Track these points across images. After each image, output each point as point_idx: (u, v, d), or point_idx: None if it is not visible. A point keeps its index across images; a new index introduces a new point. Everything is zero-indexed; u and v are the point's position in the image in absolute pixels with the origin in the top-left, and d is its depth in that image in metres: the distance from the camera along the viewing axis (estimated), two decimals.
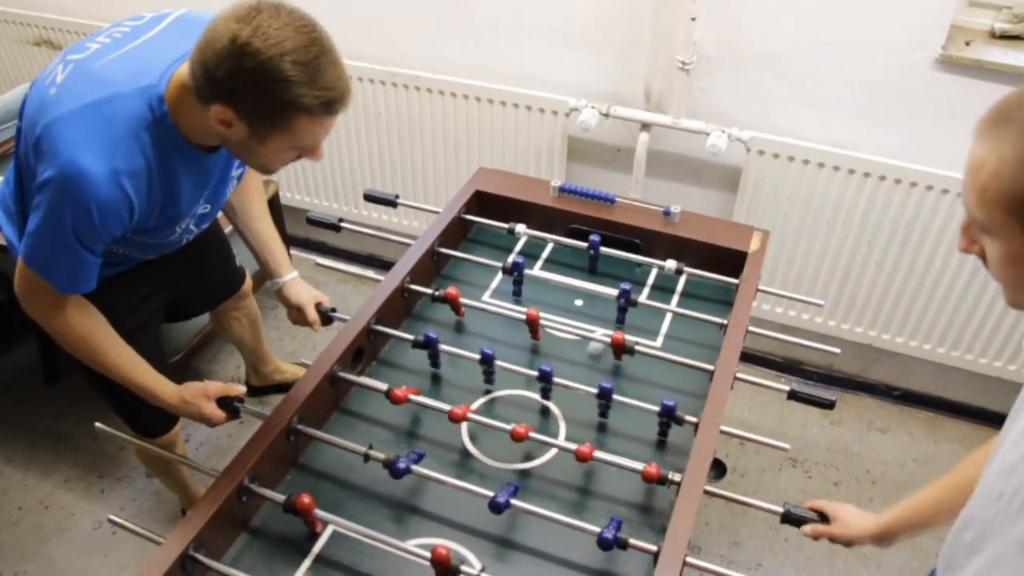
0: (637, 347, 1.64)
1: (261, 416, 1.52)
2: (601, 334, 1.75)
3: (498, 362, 1.61)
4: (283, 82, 1.20)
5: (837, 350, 1.77)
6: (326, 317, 1.80)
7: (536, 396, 1.64)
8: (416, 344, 1.65)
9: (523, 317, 1.73)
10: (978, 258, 0.93)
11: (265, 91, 1.21)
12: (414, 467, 1.40)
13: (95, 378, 1.65)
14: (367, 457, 1.42)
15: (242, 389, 1.62)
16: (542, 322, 1.72)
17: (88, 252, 1.37)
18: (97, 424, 1.53)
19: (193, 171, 1.45)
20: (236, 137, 1.29)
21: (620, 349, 1.64)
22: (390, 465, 1.39)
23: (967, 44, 2.11)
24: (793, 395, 1.57)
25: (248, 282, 2.28)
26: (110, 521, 1.43)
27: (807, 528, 1.39)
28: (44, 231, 1.34)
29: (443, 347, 1.65)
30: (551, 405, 1.62)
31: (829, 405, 1.57)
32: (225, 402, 1.60)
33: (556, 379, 1.57)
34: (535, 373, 1.57)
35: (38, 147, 1.32)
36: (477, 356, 1.61)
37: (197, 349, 2.62)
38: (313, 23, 1.25)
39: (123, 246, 1.56)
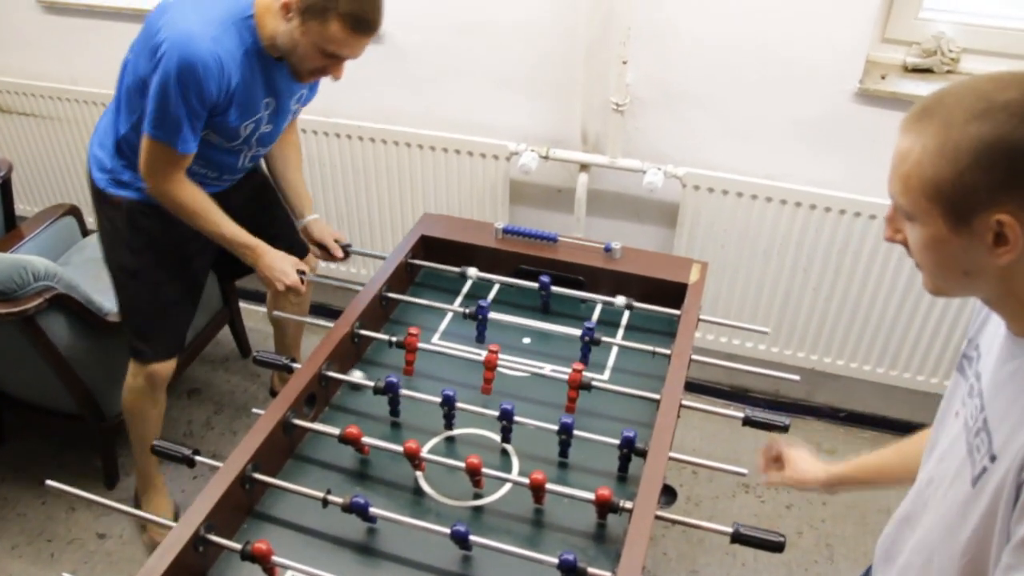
0: (593, 383, 1.68)
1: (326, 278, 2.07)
2: (551, 370, 1.79)
3: (458, 404, 1.63)
4: None
5: (796, 377, 1.80)
6: (346, 251, 2.19)
7: (490, 434, 1.66)
8: (376, 390, 1.67)
9: (478, 358, 1.77)
10: (903, 247, 0.99)
11: None
12: (380, 512, 1.41)
13: (123, 296, 2.12)
14: (325, 502, 1.43)
15: (308, 266, 2.11)
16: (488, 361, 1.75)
17: (197, 111, 1.75)
18: (48, 481, 1.51)
19: (263, 72, 1.84)
20: (288, 27, 1.71)
21: (578, 386, 1.67)
22: (353, 507, 1.40)
23: (883, 78, 2.22)
24: (748, 421, 1.61)
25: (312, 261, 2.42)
26: None
27: (763, 477, 1.53)
28: (161, 98, 1.73)
29: (403, 391, 1.67)
30: (505, 444, 1.65)
31: (784, 429, 1.61)
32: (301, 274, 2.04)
33: (515, 418, 1.60)
34: (495, 413, 1.59)
35: (156, 35, 1.72)
36: (437, 399, 1.63)
37: (214, 332, 2.82)
38: None
39: (197, 154, 1.87)
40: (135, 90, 1.85)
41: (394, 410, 1.70)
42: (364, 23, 1.70)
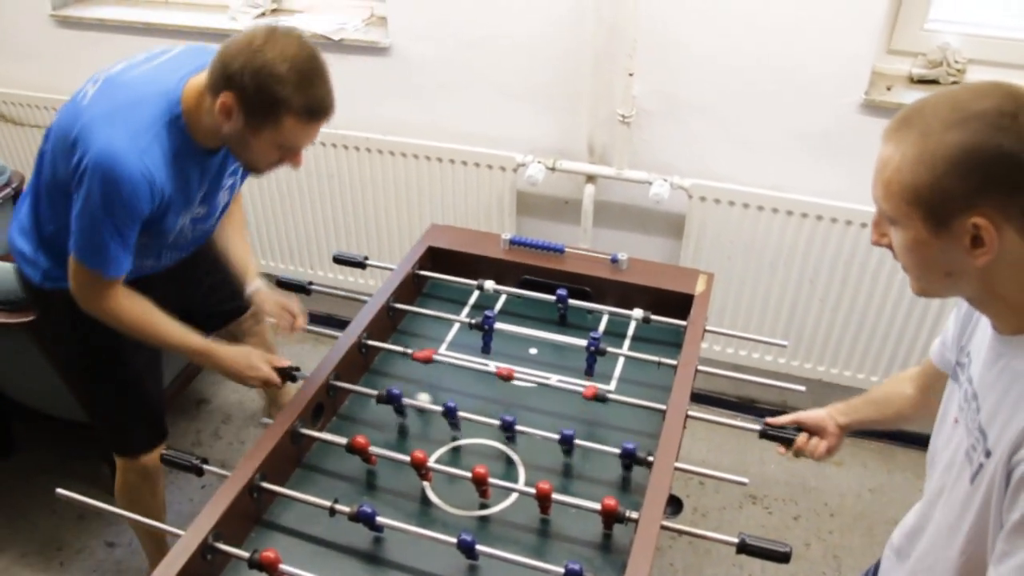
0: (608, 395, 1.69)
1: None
2: (557, 380, 1.80)
3: (461, 413, 1.65)
4: (280, 83, 1.47)
5: (802, 388, 1.80)
6: (291, 376, 1.85)
7: (497, 444, 1.67)
8: (380, 399, 1.68)
9: (487, 369, 1.80)
10: (888, 250, 1.03)
11: (265, 86, 1.47)
12: (387, 521, 1.42)
13: (82, 393, 1.92)
14: (333, 511, 1.44)
15: (289, 362, 1.82)
16: (503, 373, 1.77)
17: (126, 232, 1.59)
18: (58, 490, 1.52)
19: (198, 166, 1.68)
20: (234, 127, 1.54)
21: (594, 398, 1.68)
22: (360, 516, 1.41)
23: (889, 89, 2.23)
24: (764, 434, 1.62)
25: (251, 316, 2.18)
26: None
27: (799, 441, 1.55)
28: (86, 221, 1.56)
29: (407, 401, 1.68)
30: (511, 453, 1.65)
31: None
32: (283, 371, 1.79)
33: (518, 427, 1.61)
34: (497, 423, 1.60)
35: (73, 147, 1.55)
36: (440, 408, 1.65)
37: (194, 373, 2.66)
38: (315, 48, 1.54)
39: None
40: (56, 190, 1.67)
41: (400, 414, 1.72)
42: (320, 112, 1.56)
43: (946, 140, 0.90)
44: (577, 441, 1.58)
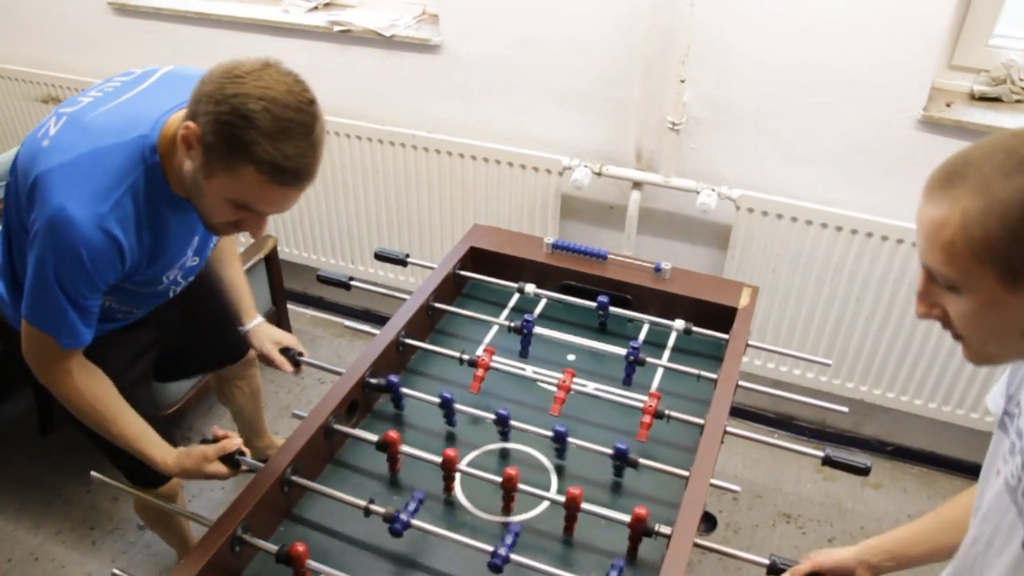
0: (669, 413, 1.65)
1: (254, 467, 1.55)
2: (595, 388, 1.77)
3: (512, 422, 1.63)
4: (248, 123, 1.20)
5: (845, 409, 1.75)
6: (293, 360, 1.81)
7: (529, 449, 1.65)
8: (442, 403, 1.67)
9: (521, 373, 1.79)
10: (938, 321, 0.95)
11: (228, 122, 1.21)
12: (413, 521, 1.41)
13: (91, 431, 1.64)
14: (368, 511, 1.42)
15: (239, 442, 1.60)
16: (538, 379, 1.75)
17: (84, 301, 1.39)
18: (92, 473, 1.54)
19: (181, 220, 1.47)
20: (191, 165, 1.29)
21: (653, 415, 1.65)
22: (390, 521, 1.39)
23: (948, 105, 2.17)
24: (828, 461, 1.57)
25: (253, 352, 2.02)
26: (113, 575, 1.43)
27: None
28: (39, 284, 1.35)
29: (458, 406, 1.67)
30: (544, 459, 1.64)
31: (865, 471, 1.57)
32: (227, 458, 1.59)
33: (569, 439, 1.59)
34: (547, 432, 1.58)
35: (31, 198, 1.34)
36: (492, 416, 1.63)
37: (192, 402, 2.63)
38: (312, 99, 1.27)
39: (113, 298, 1.57)
40: (24, 233, 1.43)
41: (450, 421, 1.70)
42: (287, 173, 1.25)
43: (1014, 185, 0.83)
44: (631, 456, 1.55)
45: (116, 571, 1.43)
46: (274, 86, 1.22)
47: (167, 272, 1.56)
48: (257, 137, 1.21)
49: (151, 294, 1.62)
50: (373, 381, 1.69)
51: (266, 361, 1.85)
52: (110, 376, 1.56)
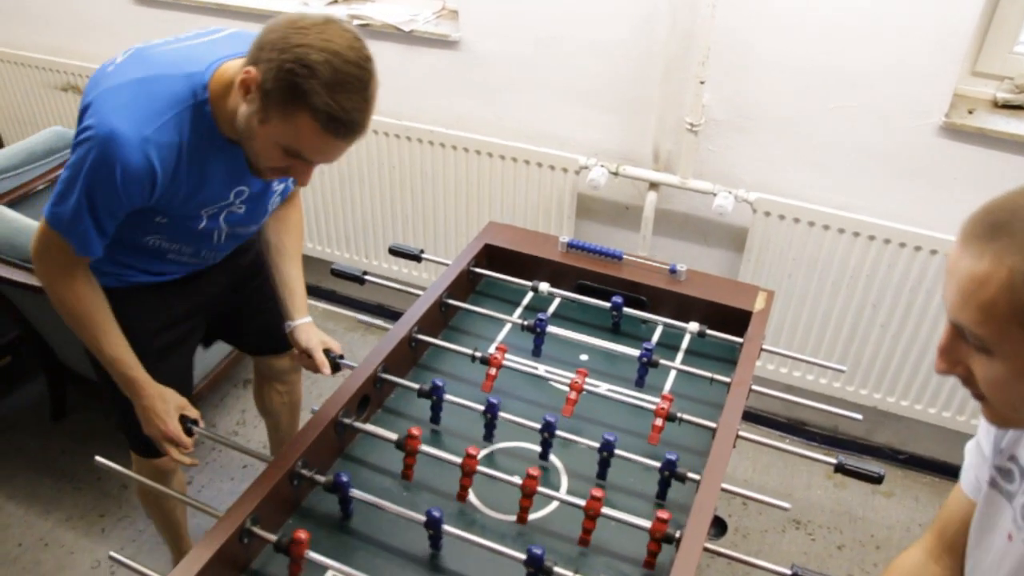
0: (681, 416, 1.64)
1: (220, 440, 1.63)
2: (607, 389, 1.76)
3: (502, 414, 1.63)
4: (309, 73, 1.26)
5: (859, 416, 1.73)
6: (334, 363, 1.80)
7: (536, 447, 1.65)
8: (421, 393, 1.67)
9: (537, 372, 1.79)
10: (959, 379, 0.89)
11: (291, 70, 1.27)
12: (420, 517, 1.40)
13: (104, 384, 1.72)
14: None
15: (197, 413, 1.67)
16: (551, 378, 1.74)
17: (105, 217, 1.43)
18: (97, 458, 1.53)
19: (225, 161, 1.50)
20: (246, 109, 1.35)
21: (666, 418, 1.63)
22: (430, 522, 1.38)
23: (970, 112, 2.15)
24: (840, 468, 1.55)
25: (293, 357, 1.93)
26: (110, 558, 1.43)
27: None
28: (67, 188, 1.41)
29: (448, 397, 1.66)
30: (554, 458, 1.63)
31: (878, 480, 1.55)
32: (181, 419, 1.64)
33: (560, 432, 1.58)
34: (538, 425, 1.58)
35: (84, 113, 1.40)
36: (482, 407, 1.63)
37: (204, 392, 2.64)
38: (369, 57, 1.33)
39: (160, 236, 1.61)
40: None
41: (435, 415, 1.69)
42: (342, 124, 1.31)
43: None
44: (618, 452, 1.54)
45: (113, 553, 1.43)
46: (336, 40, 1.28)
47: (204, 208, 1.57)
48: (316, 87, 1.26)
49: (195, 233, 1.63)
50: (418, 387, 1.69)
51: (305, 360, 1.81)
52: (140, 333, 1.65)
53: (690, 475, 1.50)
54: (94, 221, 1.43)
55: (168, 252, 1.67)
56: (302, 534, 1.32)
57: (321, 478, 1.49)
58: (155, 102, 1.38)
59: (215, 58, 1.44)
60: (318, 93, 1.27)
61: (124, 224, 1.50)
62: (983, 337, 0.82)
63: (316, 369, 1.77)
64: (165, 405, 1.64)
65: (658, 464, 1.51)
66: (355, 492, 1.45)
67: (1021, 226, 0.78)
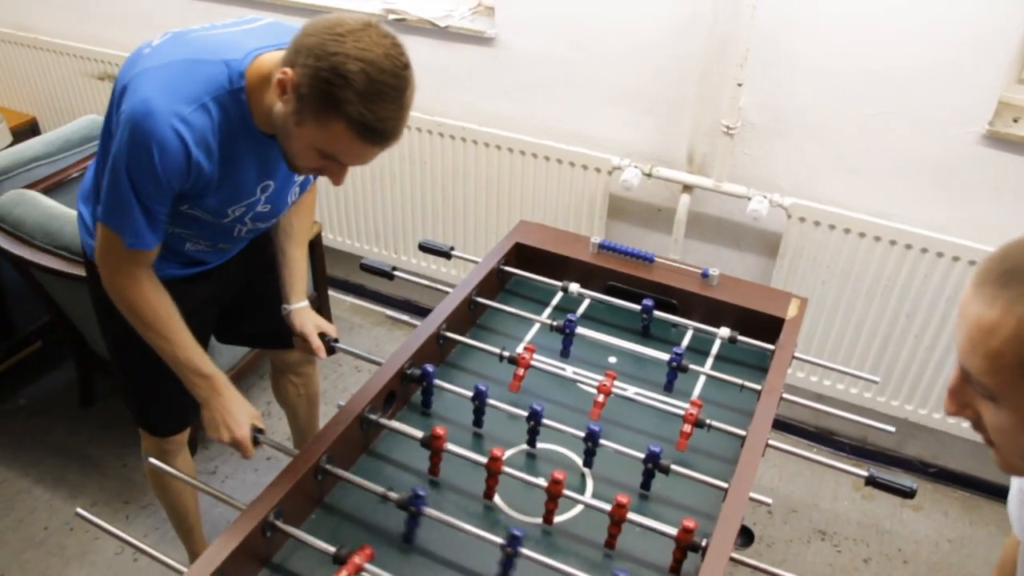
0: (710, 422, 1.61)
1: (277, 447, 1.60)
2: (634, 393, 1.74)
3: (546, 421, 1.59)
4: (345, 83, 1.26)
5: (891, 428, 1.70)
6: (329, 347, 1.81)
7: (564, 450, 1.63)
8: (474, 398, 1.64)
9: (561, 373, 1.76)
10: (969, 421, 0.87)
11: (326, 79, 1.26)
12: (445, 517, 1.39)
13: (119, 368, 1.75)
14: (385, 499, 1.41)
15: (263, 424, 1.65)
16: (578, 380, 1.72)
17: (152, 202, 1.42)
18: (78, 510, 1.51)
19: (256, 152, 1.50)
20: (284, 110, 1.34)
21: (694, 424, 1.61)
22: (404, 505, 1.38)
23: (1015, 121, 2.11)
24: (872, 481, 1.51)
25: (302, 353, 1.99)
26: (76, 514, 1.43)
27: None
28: (113, 180, 1.40)
29: (491, 402, 1.64)
30: (579, 462, 1.61)
31: (910, 494, 1.51)
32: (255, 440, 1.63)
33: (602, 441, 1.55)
34: (581, 433, 1.54)
35: (122, 96, 1.40)
36: (521, 411, 1.60)
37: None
38: (407, 64, 1.32)
39: (188, 230, 1.61)
40: (108, 141, 1.49)
41: (478, 419, 1.67)
42: (375, 133, 1.31)
43: None
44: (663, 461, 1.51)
45: (80, 510, 1.43)
46: (373, 48, 1.27)
47: (232, 206, 1.57)
48: (351, 97, 1.26)
49: (220, 228, 1.63)
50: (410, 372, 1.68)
51: (301, 343, 1.83)
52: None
53: (718, 483, 1.48)
54: (141, 207, 1.42)
55: (189, 245, 1.68)
56: (367, 550, 1.30)
57: (346, 473, 1.48)
58: (192, 85, 1.38)
59: (253, 47, 1.43)
60: (352, 103, 1.27)
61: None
62: (989, 386, 0.80)
63: (313, 352, 1.79)
64: (242, 408, 1.62)
65: (687, 471, 1.49)
66: (429, 511, 1.41)
67: None
